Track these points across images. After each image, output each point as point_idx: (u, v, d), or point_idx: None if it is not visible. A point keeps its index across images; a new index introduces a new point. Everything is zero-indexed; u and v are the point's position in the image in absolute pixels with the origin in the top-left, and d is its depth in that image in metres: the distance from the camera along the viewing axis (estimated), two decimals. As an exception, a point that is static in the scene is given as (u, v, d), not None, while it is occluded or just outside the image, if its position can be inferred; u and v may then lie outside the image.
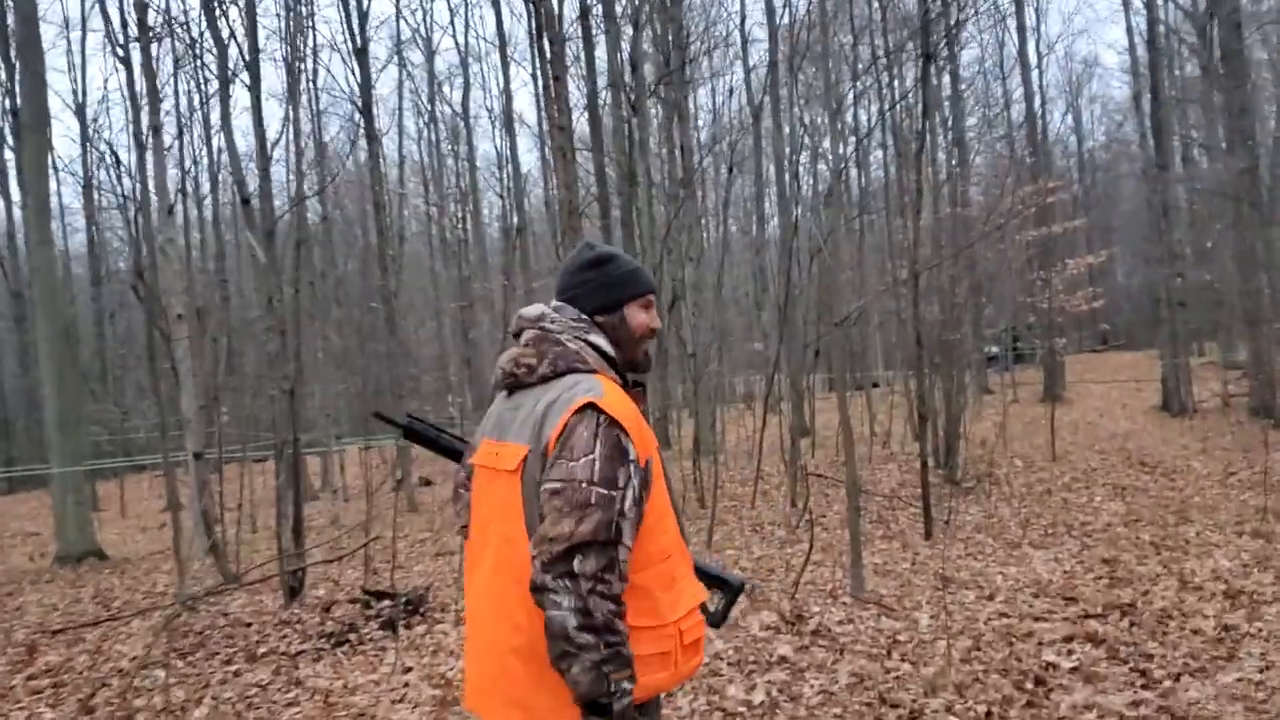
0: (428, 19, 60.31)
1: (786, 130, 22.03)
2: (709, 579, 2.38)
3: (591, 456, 1.90)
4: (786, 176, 22.42)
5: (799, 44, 21.75)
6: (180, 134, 24.97)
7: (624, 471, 1.91)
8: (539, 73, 14.50)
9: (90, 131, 28.03)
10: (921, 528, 9.51)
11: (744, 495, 12.61)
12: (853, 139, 29.04)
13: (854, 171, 31.22)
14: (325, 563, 9.02)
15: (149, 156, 12.64)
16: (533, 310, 2.21)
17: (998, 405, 21.23)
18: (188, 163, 27.36)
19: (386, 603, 7.05)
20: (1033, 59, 28.21)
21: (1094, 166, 50.88)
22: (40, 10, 22.67)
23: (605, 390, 2.00)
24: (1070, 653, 5.06)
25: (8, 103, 22.72)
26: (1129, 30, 24.97)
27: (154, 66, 12.17)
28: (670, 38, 18.43)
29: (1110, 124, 48.75)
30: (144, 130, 13.76)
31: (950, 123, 27.65)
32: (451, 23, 67.46)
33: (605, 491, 1.87)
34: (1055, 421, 15.66)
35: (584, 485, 1.87)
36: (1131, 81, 28.22)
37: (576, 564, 1.83)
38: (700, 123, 34.65)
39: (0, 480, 28.32)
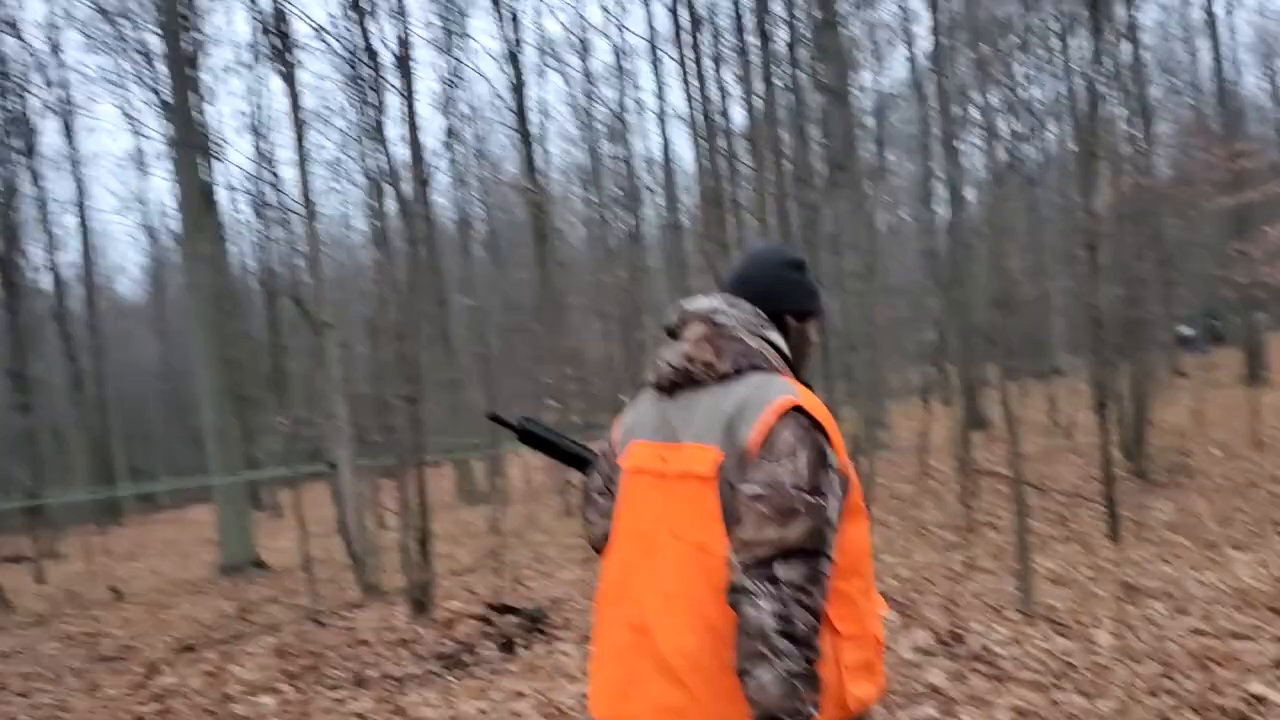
0: (582, 21, 60.51)
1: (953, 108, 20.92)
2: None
3: (796, 461, 1.80)
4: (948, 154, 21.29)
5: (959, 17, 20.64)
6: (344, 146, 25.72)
7: (828, 479, 1.82)
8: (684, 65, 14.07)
9: (258, 147, 29.15)
10: (1105, 528, 8.62)
11: (909, 495, 11.88)
12: (1025, 114, 27.53)
13: (1028, 148, 29.65)
14: (455, 575, 8.86)
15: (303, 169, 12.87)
16: (701, 303, 2.06)
17: (1193, 390, 19.59)
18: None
19: (510, 618, 6.77)
20: (1222, 17, 26.06)
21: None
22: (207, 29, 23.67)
23: (803, 393, 1.90)
24: (1281, 681, 4.29)
25: (166, 125, 23.86)
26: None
27: (298, 81, 12.35)
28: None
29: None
30: (302, 144, 14.09)
31: (1133, 89, 25.78)
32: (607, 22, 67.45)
33: (811, 499, 1.78)
34: (1259, 406, 14.22)
35: (790, 490, 1.78)
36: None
37: (780, 570, 1.74)
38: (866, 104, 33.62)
39: (197, 489, 29.90)
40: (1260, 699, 4.07)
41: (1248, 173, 16.88)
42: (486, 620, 6.93)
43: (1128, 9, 25.14)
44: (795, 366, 2.07)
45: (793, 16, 20.59)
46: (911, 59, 27.89)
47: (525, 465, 23.53)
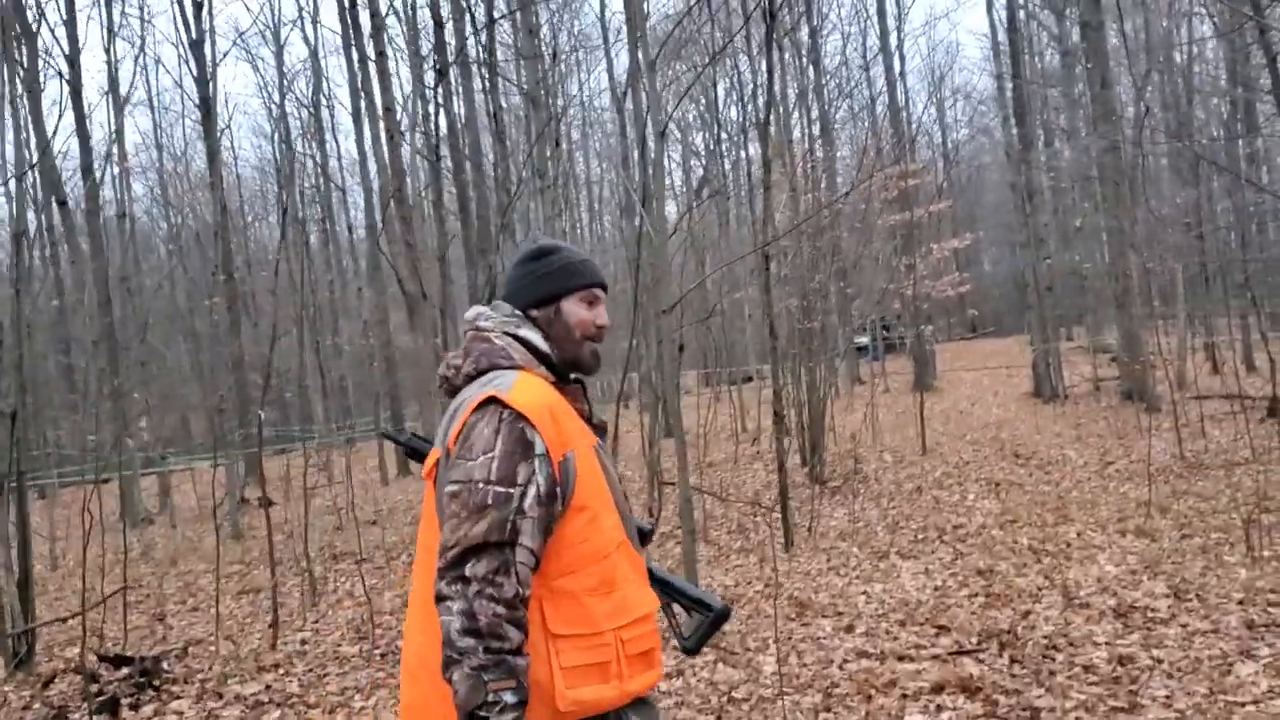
0: (275, 12, 57.28)
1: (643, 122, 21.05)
2: (688, 600, 2.20)
3: (491, 454, 1.79)
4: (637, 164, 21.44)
5: (658, 33, 20.85)
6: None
7: (526, 467, 1.79)
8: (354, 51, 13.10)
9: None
10: (781, 538, 8.53)
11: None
12: (719, 131, 28.35)
13: (722, 163, 30.60)
14: (57, 621, 7.54)
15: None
16: (471, 311, 2.12)
17: (868, 397, 20.63)
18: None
19: (122, 671, 5.69)
20: (896, 46, 27.90)
21: (958, 157, 51.49)
22: None
23: (517, 384, 1.88)
24: (939, 709, 4.06)
25: None
26: (989, 8, 24.71)
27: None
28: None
29: (974, 114, 49.28)
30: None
31: (813, 111, 27.09)
32: (300, 15, 64.33)
33: (503, 490, 1.77)
34: (926, 412, 14.99)
35: (481, 485, 1.77)
36: (994, 64, 28.10)
37: (469, 568, 1.73)
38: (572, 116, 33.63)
39: None
40: (917, 734, 3.80)
41: (916, 191, 17.89)
42: (93, 676, 5.80)
43: (810, 37, 26.48)
44: (569, 356, 2.04)
45: (491, 19, 20.02)
46: (611, 70, 28.05)
47: (200, 482, 21.54)
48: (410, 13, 17.32)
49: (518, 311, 2.06)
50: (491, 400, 1.83)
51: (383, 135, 11.14)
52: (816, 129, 26.58)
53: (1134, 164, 15.70)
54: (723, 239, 27.34)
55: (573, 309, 2.05)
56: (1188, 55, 21.52)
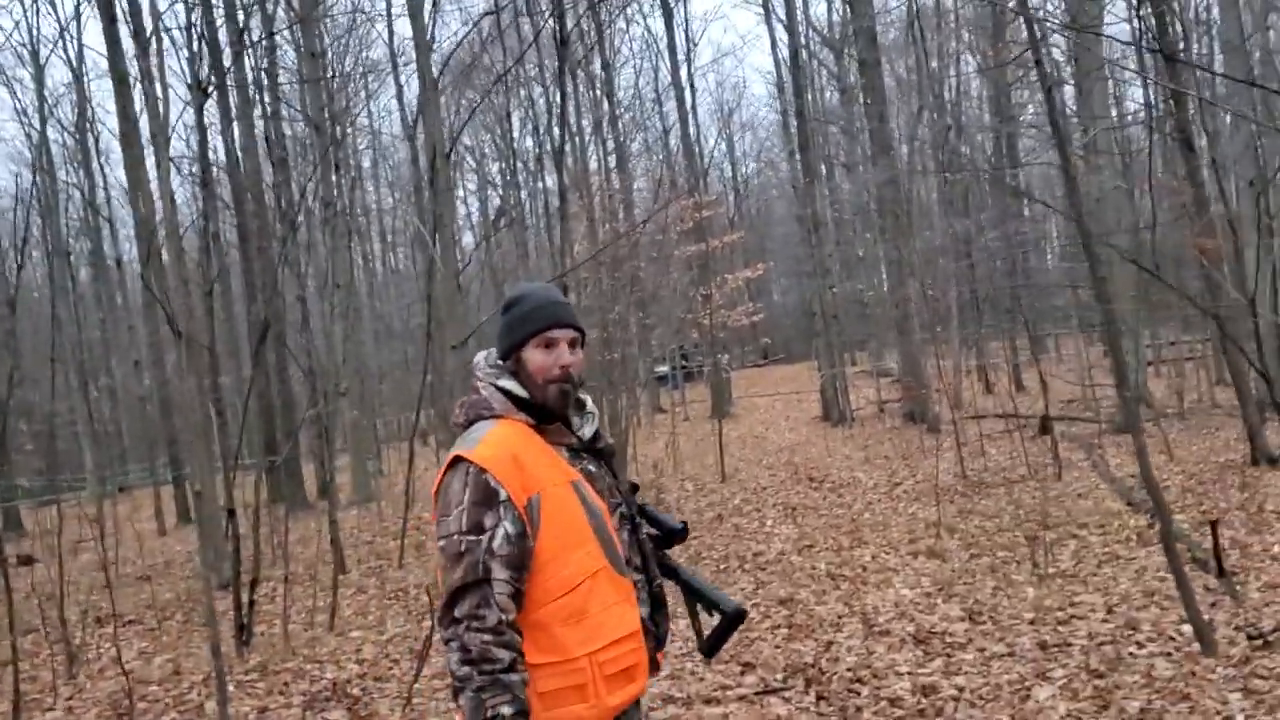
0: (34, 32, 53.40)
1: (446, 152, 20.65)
2: (706, 602, 2.30)
3: (461, 507, 1.98)
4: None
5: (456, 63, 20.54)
6: None
7: (491, 514, 1.97)
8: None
9: None
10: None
11: (393, 552, 11.00)
12: (516, 162, 28.18)
13: (519, 194, 30.48)
14: None
15: None
16: (475, 358, 2.26)
17: (669, 425, 20.79)
18: None
19: None
20: (687, 80, 28.48)
21: (748, 190, 53.21)
22: None
23: (484, 438, 2.06)
24: (750, 756, 3.93)
25: None
26: (773, 47, 25.60)
27: None
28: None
29: (761, 148, 51.04)
30: None
31: (609, 143, 27.31)
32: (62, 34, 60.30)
33: (473, 537, 1.96)
34: (724, 438, 15.17)
35: (456, 537, 1.97)
36: (779, 100, 29.12)
37: (457, 609, 1.94)
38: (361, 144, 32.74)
39: None
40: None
41: (710, 224, 18.22)
42: None
43: (604, 69, 26.73)
44: (539, 400, 2.15)
45: (271, 42, 19.21)
46: (401, 98, 27.46)
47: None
48: (186, 32, 16.39)
49: (498, 361, 2.21)
50: (458, 459, 2.04)
51: (151, 163, 10.39)
52: (613, 160, 26.79)
53: (909, 195, 16.48)
54: (521, 269, 27.13)
55: (531, 356, 2.16)
56: (956, 92, 22.88)
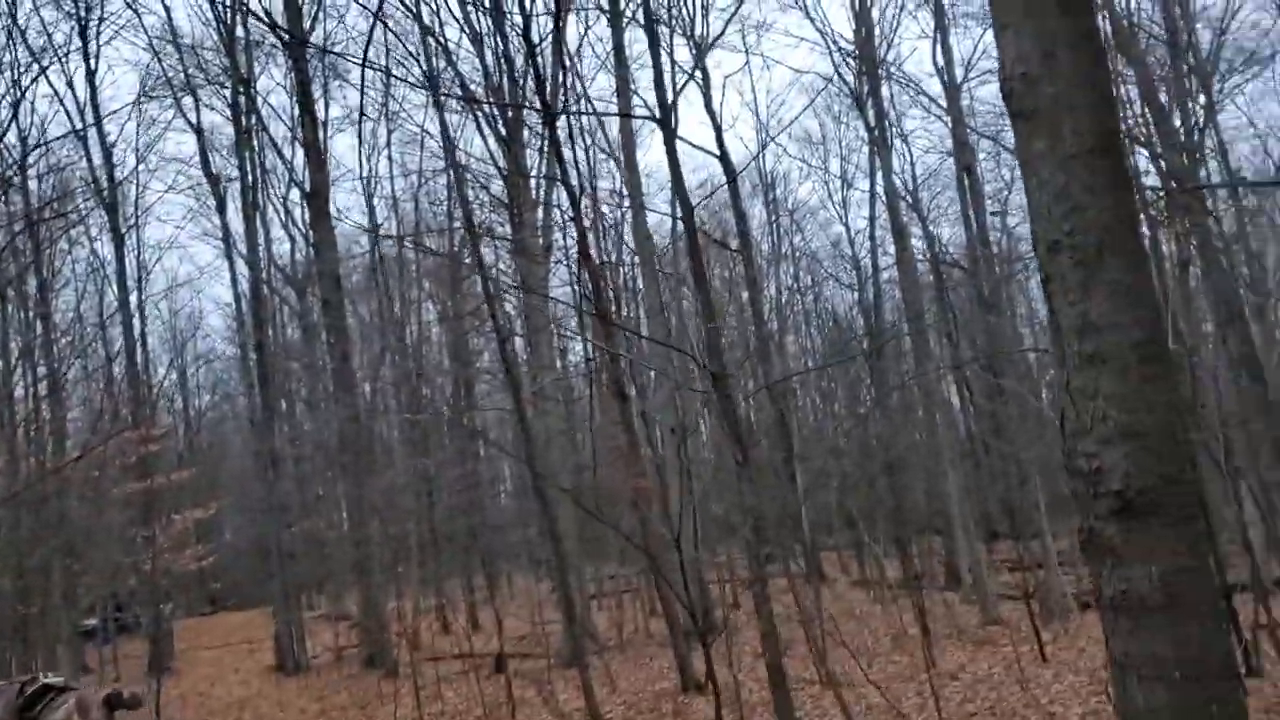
0: None
1: None
2: None
3: None
4: None
5: None
6: None
7: None
8: None
9: None
10: None
11: None
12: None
13: None
14: None
15: None
16: None
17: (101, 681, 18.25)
18: None
19: None
20: (137, 307, 26.88)
21: (201, 423, 50.54)
22: None
23: None
24: None
25: None
26: (234, 280, 25.07)
27: None
28: None
29: (217, 380, 49.04)
30: None
31: (40, 369, 24.68)
32: None
33: None
34: (162, 699, 13.63)
35: None
36: (238, 333, 28.42)
37: None
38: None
39: None
40: None
41: (158, 460, 16.99)
42: None
43: (40, 290, 24.46)
44: None
45: None
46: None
47: None
48: None
49: None
50: None
51: None
52: (44, 388, 24.13)
53: (371, 433, 16.70)
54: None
55: None
56: (418, 337, 23.94)
